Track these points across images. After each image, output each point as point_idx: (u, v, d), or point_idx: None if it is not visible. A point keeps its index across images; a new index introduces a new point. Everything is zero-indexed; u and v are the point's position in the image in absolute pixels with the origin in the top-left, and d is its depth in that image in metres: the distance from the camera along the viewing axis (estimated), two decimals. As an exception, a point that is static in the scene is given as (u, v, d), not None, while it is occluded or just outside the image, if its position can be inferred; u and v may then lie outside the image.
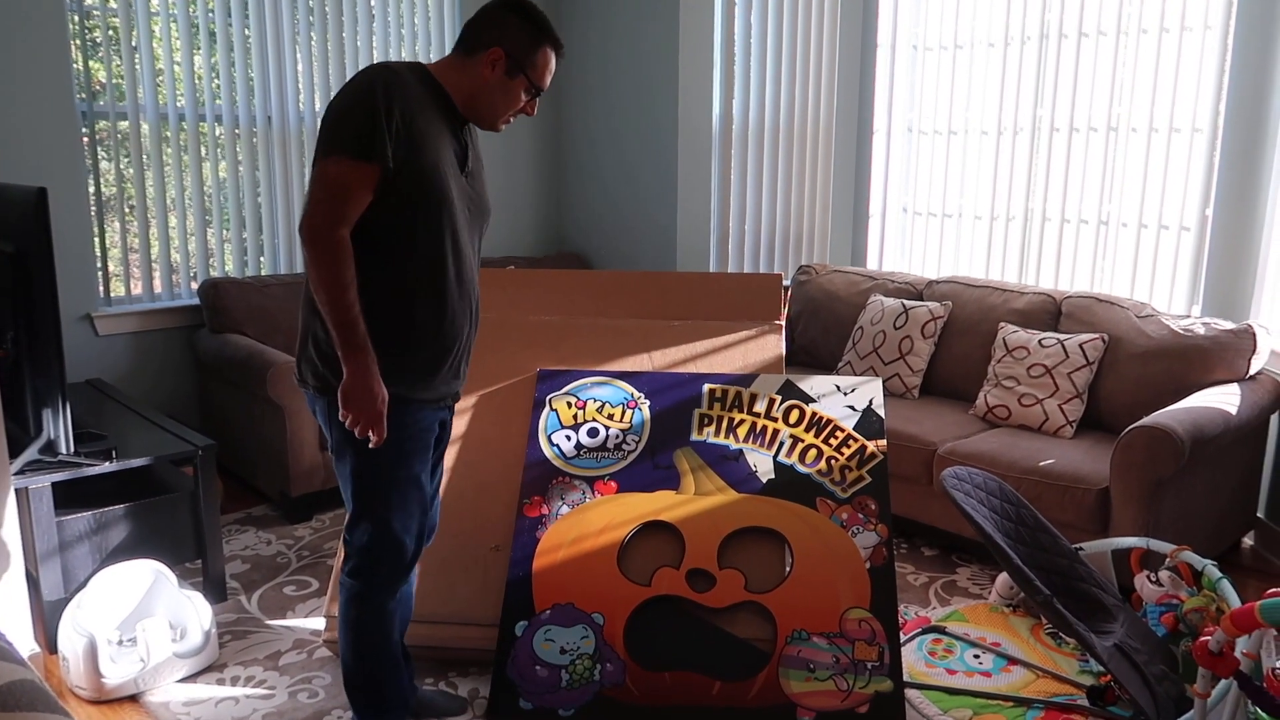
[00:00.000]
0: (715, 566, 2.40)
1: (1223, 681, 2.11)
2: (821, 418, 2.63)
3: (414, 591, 2.32)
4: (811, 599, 2.35)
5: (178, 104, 3.85)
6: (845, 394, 2.67)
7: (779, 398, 2.66)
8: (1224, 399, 2.99)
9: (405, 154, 1.83)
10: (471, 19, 1.97)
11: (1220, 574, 2.43)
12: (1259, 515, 3.38)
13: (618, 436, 2.62)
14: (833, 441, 2.59)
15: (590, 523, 2.48)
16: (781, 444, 2.60)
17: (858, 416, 2.63)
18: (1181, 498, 2.85)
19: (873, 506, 2.48)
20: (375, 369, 1.87)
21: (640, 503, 2.50)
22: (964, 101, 4.15)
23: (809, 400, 2.65)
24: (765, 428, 2.62)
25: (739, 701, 2.26)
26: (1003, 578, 2.93)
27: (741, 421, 2.63)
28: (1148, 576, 2.65)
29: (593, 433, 2.63)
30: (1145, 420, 2.80)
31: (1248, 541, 3.42)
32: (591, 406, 2.67)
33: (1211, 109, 3.42)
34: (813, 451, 2.58)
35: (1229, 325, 3.17)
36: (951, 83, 4.18)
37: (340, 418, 1.89)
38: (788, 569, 2.38)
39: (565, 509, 2.50)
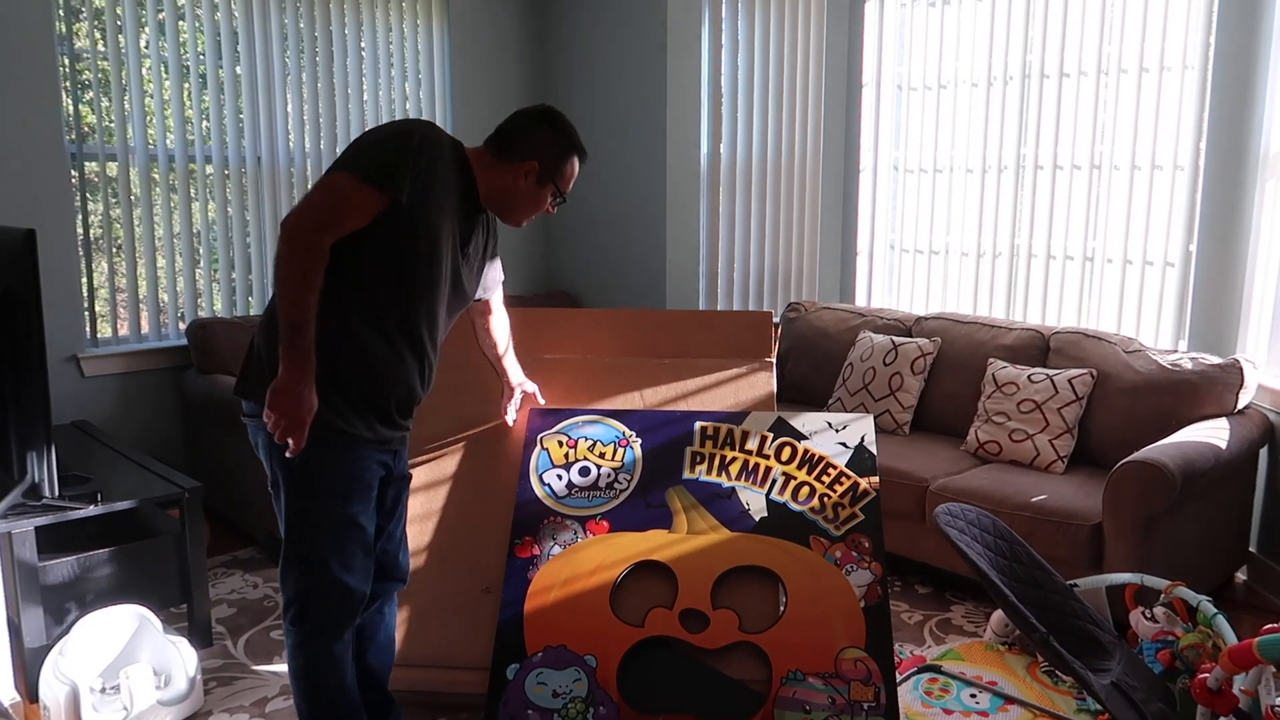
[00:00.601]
0: (709, 607, 2.37)
1: (1221, 719, 2.09)
2: (814, 455, 2.61)
3: (394, 636, 2.28)
4: (806, 639, 2.32)
5: (167, 144, 3.86)
6: (837, 431, 2.65)
7: (771, 435, 2.64)
8: (1213, 433, 3.00)
9: (417, 201, 1.88)
10: (507, 125, 2.07)
11: (1215, 610, 2.42)
12: (1251, 550, 3.37)
13: (609, 475, 2.60)
14: (825, 479, 2.57)
15: (582, 563, 2.45)
16: (774, 481, 2.58)
17: (850, 453, 2.62)
18: (1174, 533, 2.85)
19: (866, 544, 2.46)
20: (311, 378, 1.85)
21: (632, 542, 2.48)
22: (948, 140, 4.20)
23: (801, 437, 2.64)
24: (757, 465, 2.60)
25: (734, 745, 2.24)
26: (998, 615, 2.91)
27: (734, 459, 2.62)
28: (1143, 613, 2.64)
29: (584, 471, 2.60)
30: (1136, 455, 2.80)
31: (1240, 576, 3.41)
32: (583, 445, 2.64)
33: (1192, 146, 3.47)
34: (805, 489, 2.56)
35: (1216, 360, 3.19)
36: (936, 122, 4.24)
37: (264, 418, 1.85)
38: (782, 608, 2.36)
39: (557, 549, 2.48)
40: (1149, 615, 2.62)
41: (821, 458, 2.60)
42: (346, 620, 2.03)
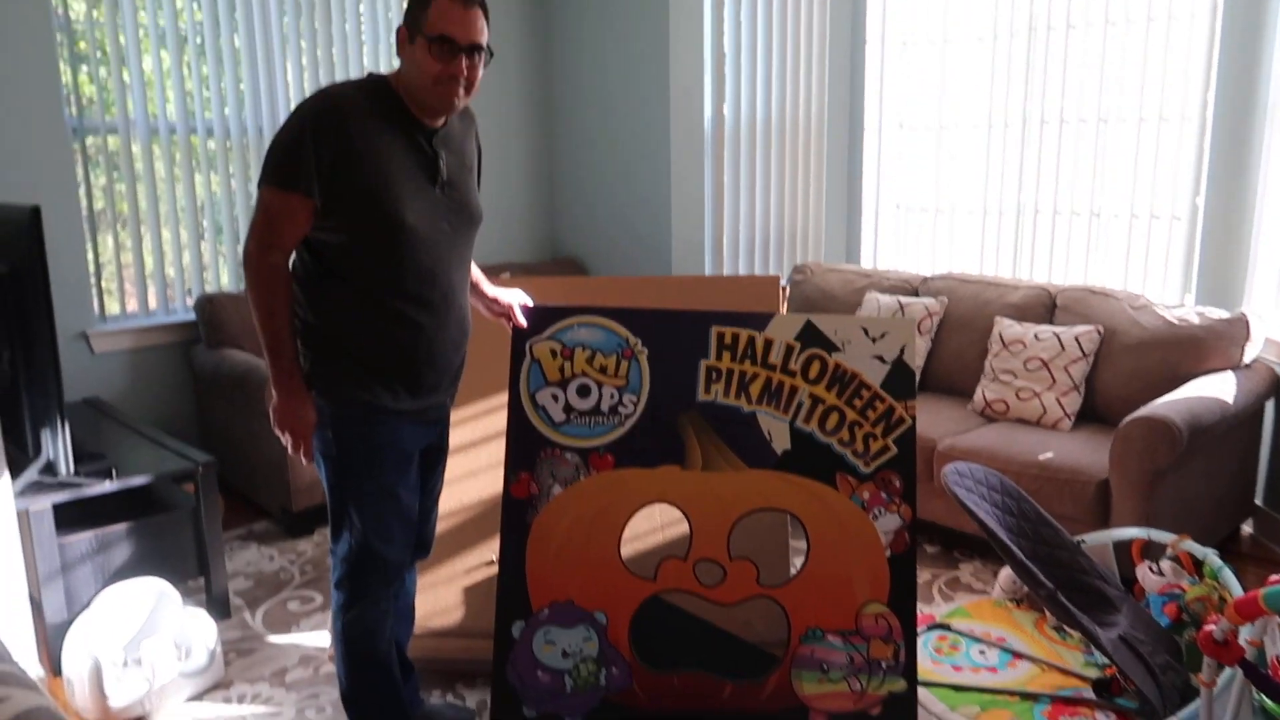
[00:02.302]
0: (725, 557, 2.23)
1: (1228, 670, 2.12)
2: (846, 371, 2.27)
3: (414, 604, 2.32)
4: (828, 594, 2.21)
5: (168, 116, 3.84)
6: (873, 340, 2.28)
7: (798, 345, 2.28)
8: (1220, 387, 3.00)
9: (342, 183, 1.84)
10: None
11: (1221, 563, 2.44)
12: (1257, 503, 3.39)
13: (613, 396, 2.28)
14: (857, 403, 2.26)
15: (586, 505, 2.25)
16: (800, 406, 2.27)
17: (887, 369, 2.27)
18: (1180, 487, 2.86)
19: (896, 484, 2.24)
20: (302, 393, 1.94)
21: (642, 481, 2.25)
22: (954, 96, 4.16)
23: (832, 348, 2.28)
24: (782, 384, 2.28)
25: (750, 704, 2.24)
26: (1005, 573, 2.94)
27: (755, 376, 2.28)
28: (1149, 567, 2.66)
29: (583, 390, 2.28)
30: (1142, 410, 2.81)
31: (1246, 529, 3.43)
32: (580, 356, 2.29)
33: (1200, 98, 3.44)
34: (835, 416, 2.26)
35: (1223, 314, 3.19)
36: (941, 78, 4.19)
37: (275, 432, 1.97)
38: (803, 559, 2.23)
39: (557, 488, 2.25)
40: (1155, 569, 2.65)
41: (855, 375, 2.27)
42: (382, 589, 2.08)
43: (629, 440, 2.25)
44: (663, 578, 2.23)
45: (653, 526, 2.66)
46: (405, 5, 1.91)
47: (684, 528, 2.24)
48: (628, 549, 2.30)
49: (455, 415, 2.50)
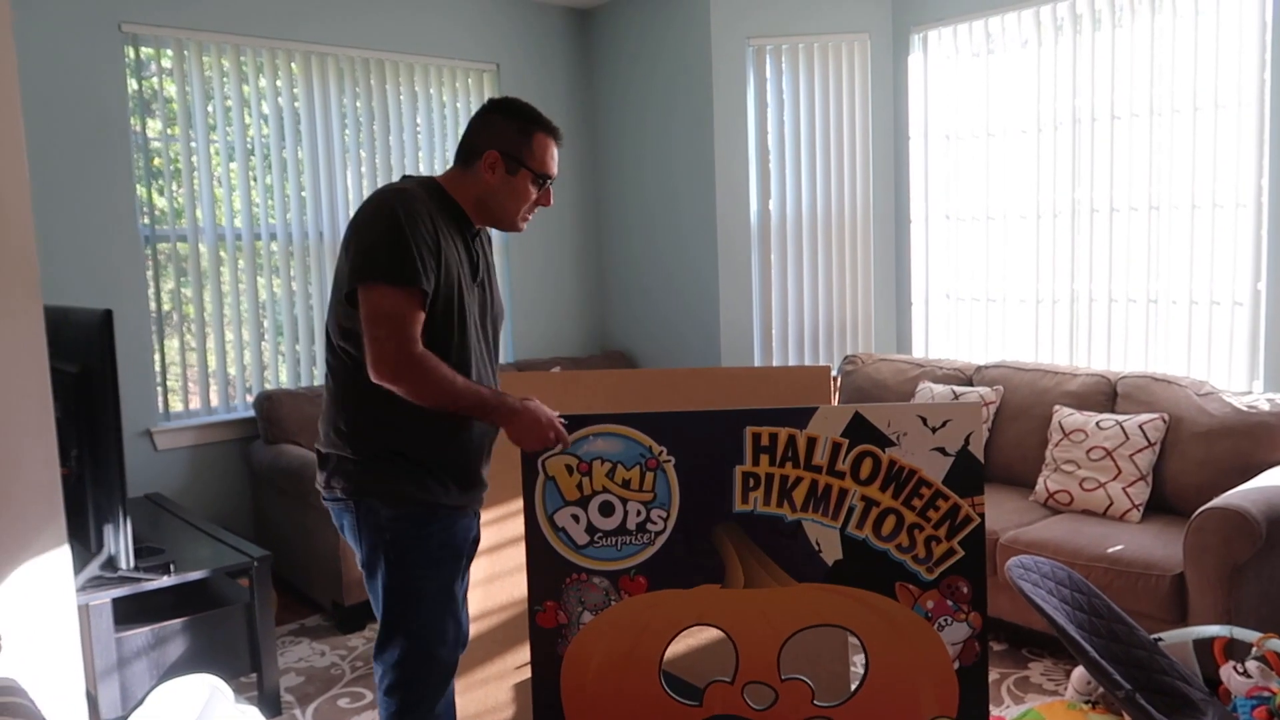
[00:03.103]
0: (776, 678, 2.10)
1: (1328, 781, 1.97)
2: (903, 468, 2.07)
3: (455, 703, 2.27)
4: (890, 710, 2.07)
5: (234, 224, 4.00)
6: (933, 430, 2.06)
7: (846, 441, 2.07)
8: (1297, 476, 2.88)
9: (435, 277, 1.88)
10: (464, 132, 2.02)
11: (1312, 663, 2.31)
12: (1346, 598, 3.21)
13: (640, 513, 2.09)
14: (917, 502, 2.07)
15: (621, 634, 2.10)
16: (851, 510, 2.08)
17: (950, 462, 2.06)
18: (1262, 581, 2.73)
19: (964, 590, 2.07)
20: (518, 404, 1.93)
21: (679, 603, 2.09)
22: (1000, 187, 4.18)
23: (886, 443, 2.07)
24: (830, 487, 2.08)
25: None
26: (1079, 672, 2.80)
27: (798, 480, 2.08)
28: (1234, 667, 2.52)
29: (606, 509, 2.09)
30: (1217, 501, 2.70)
31: (1337, 626, 3.24)
32: (600, 470, 2.08)
33: (1254, 183, 3.41)
34: (891, 519, 2.07)
35: (1294, 400, 3.09)
36: (986, 169, 4.22)
37: (529, 448, 1.98)
38: (862, 675, 2.10)
39: (587, 615, 2.10)
40: (1241, 670, 2.50)
41: (913, 472, 2.07)
42: (440, 692, 2.03)
43: (661, 559, 2.09)
44: (709, 703, 2.10)
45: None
46: (488, 127, 1.98)
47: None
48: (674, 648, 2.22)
49: (491, 507, 2.46)
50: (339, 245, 2.02)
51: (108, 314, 2.53)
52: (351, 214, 4.20)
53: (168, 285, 3.89)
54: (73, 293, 3.54)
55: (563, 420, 2.02)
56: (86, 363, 2.59)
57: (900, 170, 4.51)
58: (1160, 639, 2.60)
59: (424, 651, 1.99)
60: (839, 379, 4.29)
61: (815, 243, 4.61)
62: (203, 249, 3.93)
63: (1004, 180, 4.16)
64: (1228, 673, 2.52)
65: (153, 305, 3.83)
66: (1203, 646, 2.64)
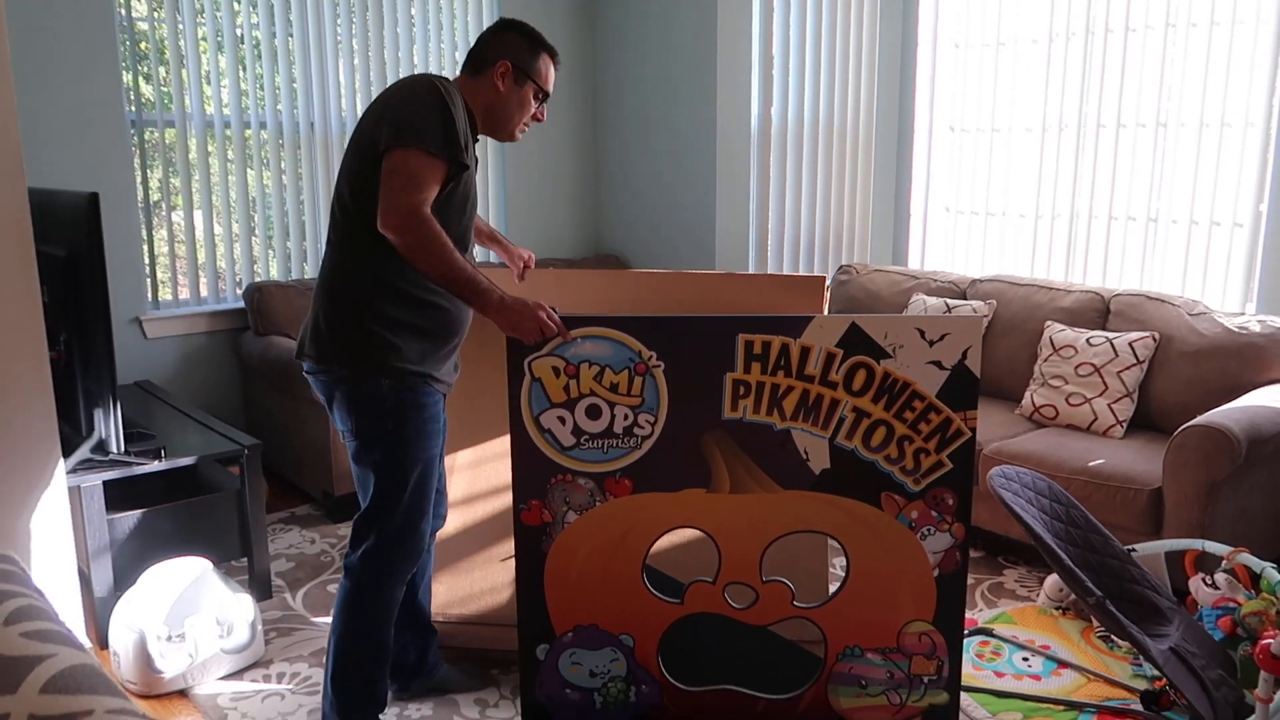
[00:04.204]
0: (757, 579, 2.12)
1: (1285, 686, 2.04)
2: (896, 380, 2.02)
3: (431, 580, 2.39)
4: (868, 614, 2.12)
5: (223, 111, 3.91)
6: (931, 343, 2.01)
7: (840, 352, 2.02)
8: (1281, 398, 2.91)
9: (454, 160, 1.94)
10: (475, 45, 2.12)
11: (1280, 576, 2.37)
12: (1318, 518, 3.28)
13: (627, 417, 2.05)
14: (909, 415, 2.03)
15: (605, 532, 2.11)
16: (841, 421, 2.04)
17: (945, 376, 2.02)
18: (1238, 498, 2.78)
19: (949, 501, 2.07)
20: (507, 298, 1.94)
21: (664, 506, 2.09)
22: (1007, 99, 4.10)
23: (881, 355, 2.01)
24: (821, 398, 2.03)
25: (786, 718, 2.20)
26: (1052, 580, 2.88)
27: (789, 390, 2.03)
28: (1203, 579, 2.58)
29: (593, 411, 2.05)
30: (1200, 419, 2.73)
31: (1307, 545, 3.32)
32: (587, 373, 2.04)
33: (1265, 103, 3.34)
34: (881, 431, 2.04)
35: (1285, 322, 3.09)
36: (994, 80, 4.13)
37: (526, 339, 1.98)
38: (842, 579, 2.13)
39: (572, 515, 2.10)
40: (1210, 582, 2.57)
41: (907, 384, 2.02)
42: (411, 566, 2.13)
43: (647, 463, 2.07)
44: (690, 601, 2.14)
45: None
46: (503, 41, 2.09)
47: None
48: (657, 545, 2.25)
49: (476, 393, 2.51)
50: (329, 139, 2.05)
51: (94, 197, 2.49)
52: (342, 106, 4.15)
53: (156, 174, 3.82)
54: (57, 178, 3.48)
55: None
56: (73, 247, 2.56)
57: (906, 79, 4.40)
58: (1134, 550, 2.66)
59: (409, 525, 2.07)
60: (831, 289, 4.27)
61: (816, 152, 4.53)
62: (191, 138, 3.85)
63: (1012, 92, 4.07)
64: (1196, 584, 2.59)
65: (140, 194, 3.77)
66: (1175, 560, 2.71)
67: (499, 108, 2.09)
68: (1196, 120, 3.54)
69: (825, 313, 2.28)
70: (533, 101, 2.12)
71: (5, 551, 1.50)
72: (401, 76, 2.04)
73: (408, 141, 1.87)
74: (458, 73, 2.15)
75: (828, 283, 4.44)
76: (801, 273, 4.61)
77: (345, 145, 2.04)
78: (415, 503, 2.07)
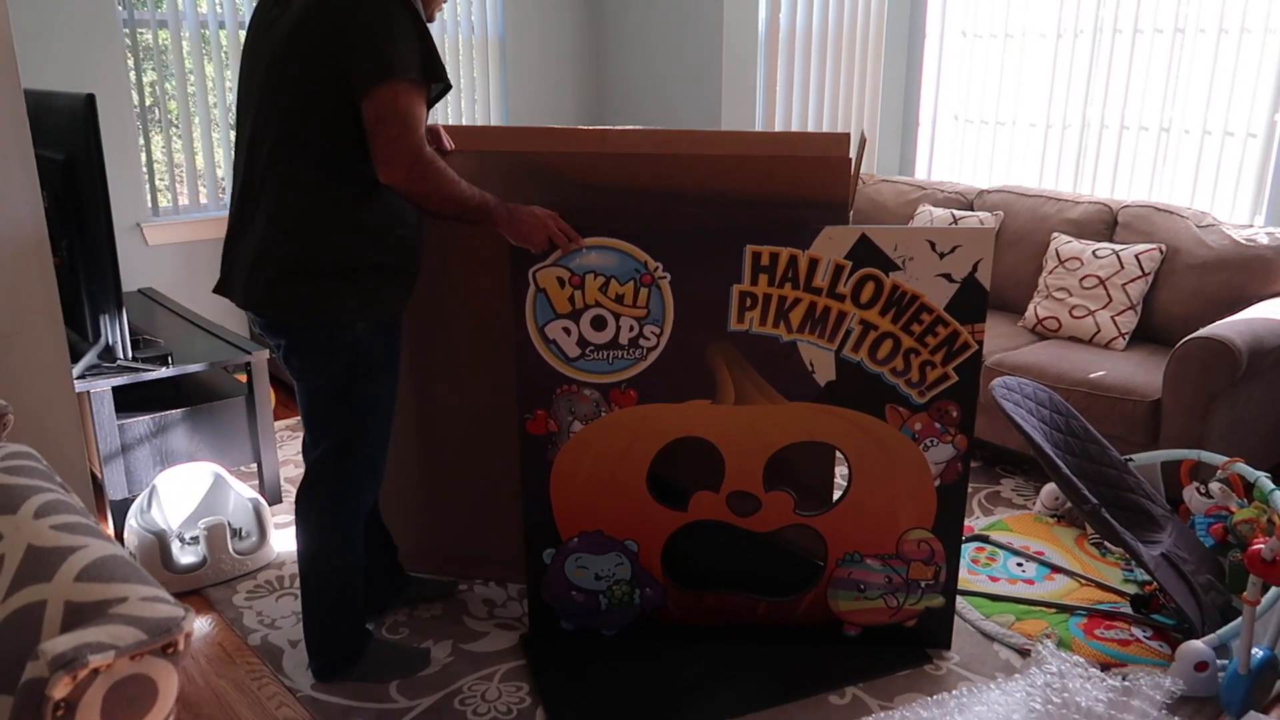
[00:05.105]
0: (760, 489, 2.14)
1: (1272, 589, 2.10)
2: (905, 293, 2.00)
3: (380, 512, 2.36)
4: (868, 522, 2.16)
5: (216, 10, 3.80)
6: (941, 256, 1.98)
7: (849, 264, 1.99)
8: (1285, 311, 2.91)
9: (445, 75, 1.84)
10: None
11: (1273, 485, 2.41)
12: (1314, 430, 3.31)
13: (633, 328, 2.05)
14: (916, 328, 2.02)
15: (610, 441, 2.12)
16: (848, 334, 2.03)
17: (955, 289, 1.99)
18: (1235, 410, 2.80)
19: (954, 413, 2.07)
20: (511, 206, 1.91)
21: (669, 416, 2.10)
22: (1021, 2, 3.98)
23: (890, 267, 1.99)
24: (828, 310, 2.02)
25: (785, 619, 2.26)
26: (1048, 489, 2.93)
27: (796, 302, 2.02)
28: (1197, 488, 2.63)
29: (598, 322, 2.05)
30: (1202, 331, 2.74)
31: (1300, 457, 3.36)
32: (592, 284, 2.03)
33: (1288, 6, 3.25)
34: (888, 343, 2.03)
35: (1294, 235, 3.07)
36: (1010, -18, 4.00)
37: (536, 249, 1.96)
38: (845, 488, 2.16)
39: (578, 425, 2.11)
40: (1203, 490, 2.62)
41: (915, 297, 2.00)
42: (370, 500, 2.09)
43: (653, 375, 2.07)
44: (694, 509, 2.18)
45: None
46: None
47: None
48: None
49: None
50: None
51: (90, 98, 2.44)
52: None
53: (150, 78, 3.74)
54: (50, 80, 3.40)
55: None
56: (71, 150, 2.52)
57: (919, -20, 4.27)
58: (1131, 459, 2.70)
59: (371, 463, 2.03)
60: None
61: (824, 57, 4.42)
62: (185, 39, 3.75)
63: (1027, -5, 3.96)
64: (1190, 493, 2.63)
65: (135, 97, 3.69)
66: (1170, 468, 2.75)
67: None
68: (1215, 25, 3.45)
69: (853, 194, 2.19)
70: None
71: (26, 448, 1.52)
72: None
73: (390, 73, 1.71)
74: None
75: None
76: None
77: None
78: (385, 433, 2.03)
